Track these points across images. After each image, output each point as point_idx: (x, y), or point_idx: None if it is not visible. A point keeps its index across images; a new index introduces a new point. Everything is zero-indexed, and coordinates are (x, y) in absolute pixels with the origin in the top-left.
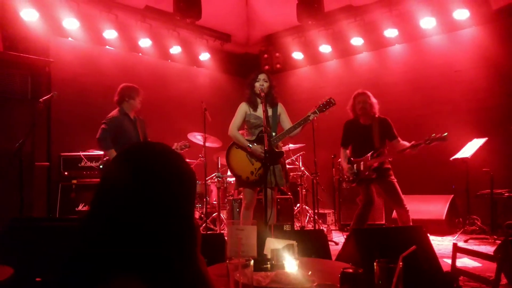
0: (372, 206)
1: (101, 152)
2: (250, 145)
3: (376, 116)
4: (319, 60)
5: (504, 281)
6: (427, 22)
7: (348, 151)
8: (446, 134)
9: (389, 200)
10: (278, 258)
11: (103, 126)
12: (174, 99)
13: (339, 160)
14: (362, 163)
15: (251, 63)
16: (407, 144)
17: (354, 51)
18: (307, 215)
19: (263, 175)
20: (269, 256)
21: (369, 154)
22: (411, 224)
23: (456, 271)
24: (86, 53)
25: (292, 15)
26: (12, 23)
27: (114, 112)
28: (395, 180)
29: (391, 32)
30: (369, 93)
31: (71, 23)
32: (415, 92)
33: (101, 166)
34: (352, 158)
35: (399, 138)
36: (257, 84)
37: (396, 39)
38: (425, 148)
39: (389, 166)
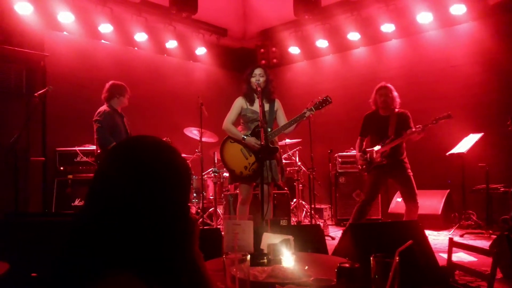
0: (373, 202)
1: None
2: (245, 137)
3: (396, 109)
4: (316, 55)
5: (499, 275)
6: (424, 17)
7: (364, 143)
8: (450, 113)
9: (403, 194)
10: (275, 253)
11: (98, 124)
12: (170, 94)
13: (336, 155)
14: (375, 150)
15: (247, 58)
16: None
17: (351, 46)
18: (303, 210)
19: (257, 170)
20: (265, 251)
21: (381, 142)
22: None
23: (452, 266)
24: (81, 47)
25: (289, 9)
26: (7, 16)
27: (104, 108)
28: (412, 174)
29: (387, 27)
30: (391, 87)
31: (66, 17)
32: (411, 87)
33: (98, 162)
34: (367, 149)
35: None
36: (253, 79)
37: (393, 34)
38: (422, 143)
39: (406, 159)
